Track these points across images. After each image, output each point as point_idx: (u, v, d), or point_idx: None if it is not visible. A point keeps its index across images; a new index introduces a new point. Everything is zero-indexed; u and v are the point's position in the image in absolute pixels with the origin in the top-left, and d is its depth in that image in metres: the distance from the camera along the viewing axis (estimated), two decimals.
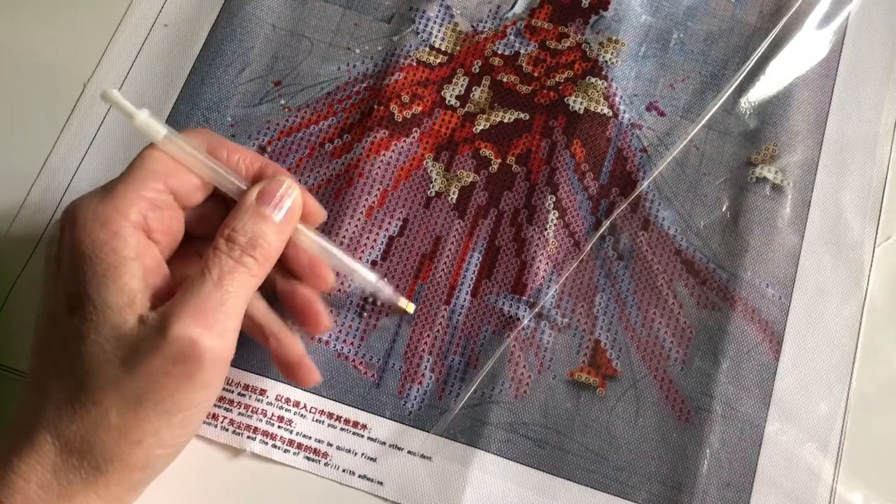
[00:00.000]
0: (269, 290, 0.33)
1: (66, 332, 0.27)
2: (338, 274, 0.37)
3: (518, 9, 0.42)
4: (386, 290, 0.35)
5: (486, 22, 0.42)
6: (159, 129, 0.29)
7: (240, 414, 0.36)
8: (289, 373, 0.33)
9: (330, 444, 0.36)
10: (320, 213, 0.33)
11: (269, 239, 0.29)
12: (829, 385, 0.36)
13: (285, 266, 0.32)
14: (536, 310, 0.37)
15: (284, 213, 0.30)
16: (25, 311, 0.37)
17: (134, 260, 0.27)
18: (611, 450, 0.35)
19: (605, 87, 0.41)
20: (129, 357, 0.26)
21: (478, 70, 0.41)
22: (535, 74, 0.41)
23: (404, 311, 0.37)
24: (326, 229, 0.38)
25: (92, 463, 0.27)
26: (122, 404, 0.26)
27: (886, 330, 0.37)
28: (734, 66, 0.41)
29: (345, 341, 0.37)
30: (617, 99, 0.41)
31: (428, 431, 0.36)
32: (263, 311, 0.32)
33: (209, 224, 0.31)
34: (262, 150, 0.40)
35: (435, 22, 0.42)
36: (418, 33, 0.42)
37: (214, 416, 0.36)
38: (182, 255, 0.31)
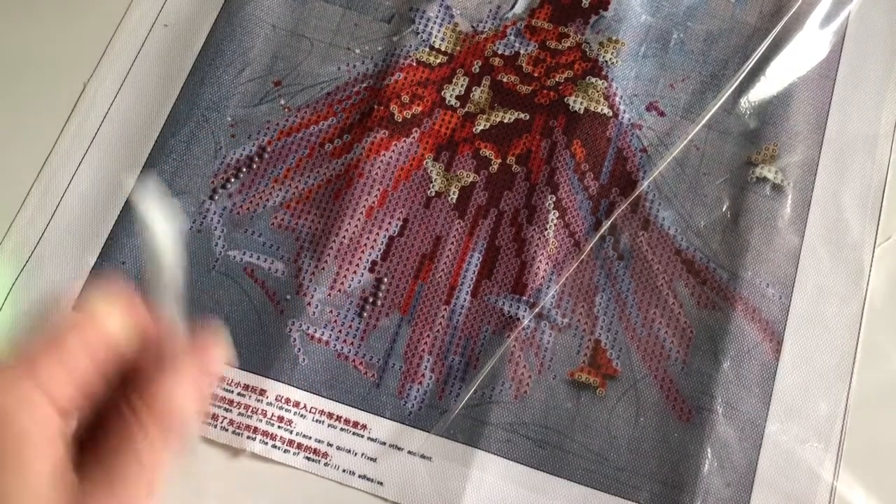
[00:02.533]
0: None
1: None
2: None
3: (518, 9, 0.42)
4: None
5: (486, 22, 0.42)
6: None
7: (239, 414, 0.36)
8: None
9: (330, 445, 0.36)
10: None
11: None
12: (830, 384, 0.36)
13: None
14: (536, 310, 0.37)
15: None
16: (24, 312, 0.37)
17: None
18: (611, 450, 0.35)
19: (605, 87, 0.41)
20: None
21: (478, 70, 0.41)
22: (535, 74, 0.41)
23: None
24: (327, 230, 0.38)
25: None
26: None
27: (886, 330, 0.37)
28: (734, 66, 0.41)
29: (345, 341, 0.37)
30: (617, 99, 0.41)
31: (428, 431, 0.36)
32: None
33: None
34: (262, 149, 0.40)
35: (435, 22, 0.42)
36: (418, 33, 0.42)
37: (214, 417, 0.36)
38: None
